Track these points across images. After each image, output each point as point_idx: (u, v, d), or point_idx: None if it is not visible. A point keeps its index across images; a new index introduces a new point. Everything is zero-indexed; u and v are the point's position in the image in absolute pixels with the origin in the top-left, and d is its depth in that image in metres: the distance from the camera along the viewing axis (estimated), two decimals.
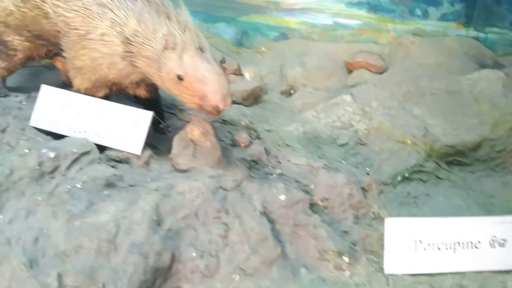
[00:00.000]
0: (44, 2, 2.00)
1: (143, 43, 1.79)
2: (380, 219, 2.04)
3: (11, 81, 2.59)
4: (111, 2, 1.84)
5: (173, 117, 2.49)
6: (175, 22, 1.78)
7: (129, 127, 1.97)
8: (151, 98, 2.22)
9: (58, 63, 2.67)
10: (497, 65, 3.29)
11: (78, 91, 2.05)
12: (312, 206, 1.92)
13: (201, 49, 1.75)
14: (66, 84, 2.73)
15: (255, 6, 3.57)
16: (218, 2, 3.55)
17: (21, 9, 2.12)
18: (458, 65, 3.22)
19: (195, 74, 1.71)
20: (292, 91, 3.32)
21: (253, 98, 3.12)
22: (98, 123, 1.99)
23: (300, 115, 2.93)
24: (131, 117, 1.98)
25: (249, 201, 1.81)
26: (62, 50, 2.07)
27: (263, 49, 3.67)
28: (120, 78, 1.97)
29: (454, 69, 3.19)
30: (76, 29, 1.89)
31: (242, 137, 2.20)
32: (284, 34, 3.63)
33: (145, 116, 1.97)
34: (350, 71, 3.38)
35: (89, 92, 2.04)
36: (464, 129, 2.78)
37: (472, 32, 3.46)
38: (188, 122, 2.46)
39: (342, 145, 2.64)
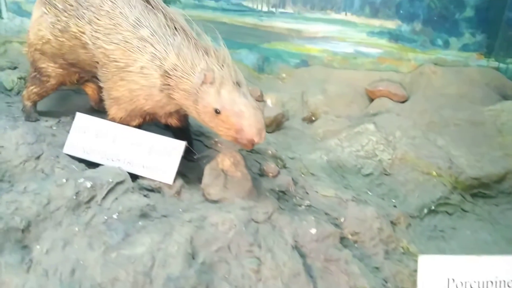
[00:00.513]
0: (83, 33, 2.05)
1: (181, 76, 1.83)
2: (409, 254, 2.03)
3: (41, 105, 2.65)
4: (151, 37, 1.89)
5: (200, 144, 2.52)
6: (214, 57, 1.82)
7: (161, 156, 2.00)
8: (181, 127, 2.25)
9: (88, 89, 2.73)
10: None
11: (113, 120, 2.09)
12: (342, 240, 1.92)
13: (238, 84, 1.79)
14: (95, 110, 2.80)
15: (277, 34, 3.63)
16: (241, 29, 3.62)
17: (59, 39, 2.18)
18: (480, 95, 3.23)
19: (232, 108, 1.74)
20: (313, 118, 3.35)
21: (276, 124, 3.15)
22: (131, 152, 2.02)
23: (323, 142, 2.94)
24: (164, 146, 2.01)
25: (281, 235, 1.81)
26: (97, 79, 2.12)
27: (284, 75, 3.72)
28: (156, 109, 2.01)
29: (476, 100, 3.19)
30: (116, 61, 1.94)
31: (270, 167, 2.21)
32: (305, 61, 3.67)
33: (178, 146, 2.00)
34: (371, 99, 3.40)
35: (124, 121, 2.08)
36: (488, 161, 2.77)
37: (493, 63, 3.47)
38: (215, 149, 2.51)
39: (367, 175, 2.64)
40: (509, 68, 3.46)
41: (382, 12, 3.49)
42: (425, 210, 2.45)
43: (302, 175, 2.47)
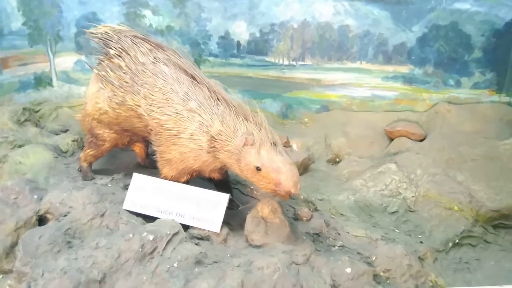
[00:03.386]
0: (138, 106, 2.40)
1: (225, 140, 2.14)
2: (438, 287, 2.21)
3: (94, 164, 2.99)
4: (198, 108, 2.22)
5: (238, 192, 2.80)
6: (252, 122, 2.13)
7: (209, 208, 2.28)
8: (222, 179, 2.55)
9: (136, 148, 3.07)
10: None
11: (165, 178, 2.40)
12: (376, 277, 2.12)
13: (274, 144, 2.08)
14: (141, 165, 3.13)
15: (298, 84, 3.96)
16: (265, 81, 3.96)
17: (116, 110, 2.53)
18: (494, 130, 3.44)
19: (271, 165, 2.02)
20: (337, 159, 3.60)
21: (303, 168, 3.41)
22: (182, 205, 2.30)
23: (349, 183, 3.18)
24: (210, 199, 2.29)
25: (319, 275, 2.03)
26: (151, 143, 2.45)
27: (306, 120, 4.02)
28: (203, 167, 2.31)
29: (491, 135, 3.40)
30: (169, 129, 2.27)
31: (304, 211, 2.46)
32: (325, 106, 3.97)
33: (223, 199, 2.28)
34: (390, 139, 3.64)
35: (174, 178, 2.38)
36: (507, 193, 2.94)
37: (504, 98, 3.70)
38: (251, 196, 2.78)
39: (393, 213, 2.85)
40: None
41: (395, 59, 3.79)
42: (450, 244, 2.64)
43: (332, 216, 2.70)
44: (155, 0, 3.88)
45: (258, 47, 3.93)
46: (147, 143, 3.06)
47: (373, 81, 3.86)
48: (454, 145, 3.31)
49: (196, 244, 2.18)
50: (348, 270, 2.06)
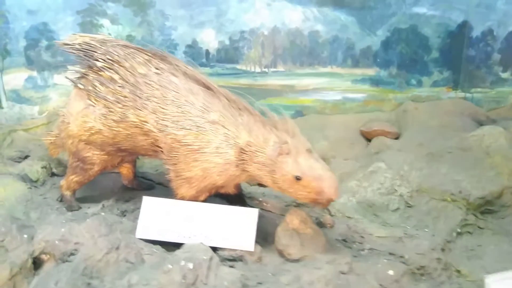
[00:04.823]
0: (145, 122, 2.16)
1: (256, 151, 2.01)
2: (463, 277, 2.29)
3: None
4: (221, 119, 2.05)
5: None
6: (283, 130, 2.02)
7: (238, 225, 2.12)
8: (237, 193, 2.40)
9: (123, 169, 2.78)
10: (489, 120, 3.83)
11: (182, 198, 2.19)
12: (413, 275, 2.14)
13: (309, 151, 2.00)
14: (128, 188, 2.84)
15: (271, 91, 3.91)
16: (237, 90, 3.79)
17: (114, 129, 2.26)
18: (459, 124, 3.71)
19: (312, 174, 1.94)
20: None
21: None
22: (207, 226, 2.12)
23: (344, 185, 3.19)
24: (238, 216, 2.14)
25: (367, 281, 1.99)
26: (165, 163, 2.21)
27: None
28: (228, 182, 2.15)
29: (458, 128, 3.65)
30: (188, 145, 2.07)
31: (328, 218, 2.41)
32: (299, 112, 3.98)
33: (252, 214, 2.14)
34: (367, 139, 3.75)
35: (193, 198, 2.18)
36: (486, 180, 3.15)
37: (460, 94, 4.02)
38: (261, 208, 2.66)
39: (395, 210, 2.92)
40: (474, 97, 4.02)
41: (362, 62, 3.93)
42: (454, 234, 2.76)
43: (353, 221, 2.66)
44: (113, 8, 3.59)
45: (229, 55, 3.82)
46: (135, 163, 2.79)
47: (344, 85, 3.95)
48: (429, 140, 3.49)
49: (231, 266, 2.01)
50: (391, 272, 2.05)
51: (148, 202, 2.18)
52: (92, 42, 2.37)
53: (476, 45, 3.89)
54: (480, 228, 2.93)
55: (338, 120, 3.91)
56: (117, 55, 2.29)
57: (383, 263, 2.08)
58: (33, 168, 2.84)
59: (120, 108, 2.22)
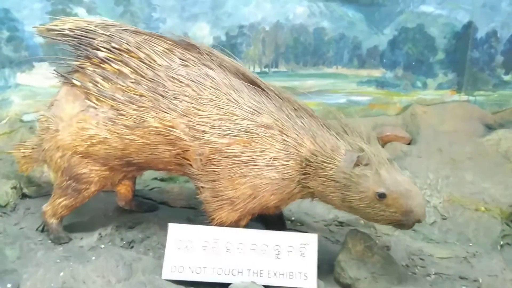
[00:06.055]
0: (172, 127, 1.67)
1: (323, 162, 1.59)
2: None
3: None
4: (277, 122, 1.61)
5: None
6: (354, 135, 1.63)
7: (293, 256, 1.70)
8: (278, 214, 1.96)
9: (122, 188, 2.25)
10: (497, 124, 3.70)
11: (221, 224, 1.72)
12: None
13: (390, 161, 1.62)
14: (125, 210, 2.31)
15: None
16: None
17: (126, 137, 1.75)
18: (471, 128, 3.54)
19: (398, 189, 1.56)
20: None
21: None
22: (255, 259, 1.67)
23: None
24: (292, 243, 1.71)
25: None
26: (195, 180, 1.72)
27: None
28: (281, 202, 1.71)
29: (470, 133, 3.48)
30: (235, 156, 1.60)
31: (383, 240, 2.04)
32: None
33: (311, 240, 1.71)
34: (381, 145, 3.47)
35: (234, 224, 1.71)
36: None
37: (464, 97, 3.87)
38: (293, 229, 2.24)
39: (433, 224, 2.63)
40: (477, 100, 3.89)
41: (368, 63, 3.66)
42: (498, 247, 2.52)
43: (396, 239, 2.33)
44: None
45: (225, 53, 3.36)
46: (134, 180, 2.27)
47: (349, 87, 3.66)
48: (446, 146, 3.28)
49: None
50: None
51: (176, 231, 1.68)
52: (90, 27, 1.85)
53: (480, 46, 3.77)
54: None
55: None
56: (126, 43, 1.79)
57: None
58: (1, 189, 2.21)
59: (134, 110, 1.72)
